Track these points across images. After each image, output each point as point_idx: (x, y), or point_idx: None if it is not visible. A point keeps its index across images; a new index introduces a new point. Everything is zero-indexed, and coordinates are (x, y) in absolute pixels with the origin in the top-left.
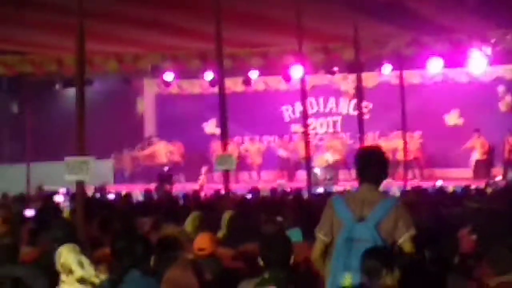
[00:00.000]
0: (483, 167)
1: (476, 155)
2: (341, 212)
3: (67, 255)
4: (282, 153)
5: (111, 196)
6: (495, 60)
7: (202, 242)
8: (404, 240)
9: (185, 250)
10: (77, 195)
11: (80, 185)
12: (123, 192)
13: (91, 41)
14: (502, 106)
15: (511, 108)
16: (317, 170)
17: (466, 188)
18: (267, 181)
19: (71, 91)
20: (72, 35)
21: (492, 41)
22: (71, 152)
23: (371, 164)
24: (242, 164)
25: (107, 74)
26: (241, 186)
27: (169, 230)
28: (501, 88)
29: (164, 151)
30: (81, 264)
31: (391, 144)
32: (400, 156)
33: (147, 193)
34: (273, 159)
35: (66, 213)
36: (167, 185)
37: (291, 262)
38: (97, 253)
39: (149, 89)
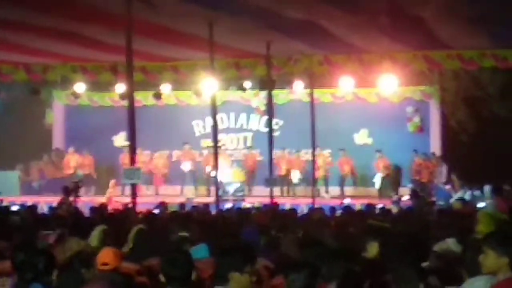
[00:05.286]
0: (387, 186)
1: (380, 175)
2: None
3: None
4: (187, 166)
5: (15, 208)
6: (404, 81)
7: (106, 256)
8: None
9: (89, 264)
10: None
11: None
12: (28, 204)
13: None
14: (410, 127)
15: (419, 129)
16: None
17: (370, 207)
18: (176, 195)
19: None
20: None
21: (402, 62)
22: None
23: None
24: (151, 178)
25: (15, 84)
26: (149, 200)
27: (74, 244)
28: (409, 109)
29: (73, 163)
30: None
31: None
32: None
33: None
34: (182, 173)
35: None
36: (73, 198)
37: (192, 278)
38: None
39: (59, 101)
